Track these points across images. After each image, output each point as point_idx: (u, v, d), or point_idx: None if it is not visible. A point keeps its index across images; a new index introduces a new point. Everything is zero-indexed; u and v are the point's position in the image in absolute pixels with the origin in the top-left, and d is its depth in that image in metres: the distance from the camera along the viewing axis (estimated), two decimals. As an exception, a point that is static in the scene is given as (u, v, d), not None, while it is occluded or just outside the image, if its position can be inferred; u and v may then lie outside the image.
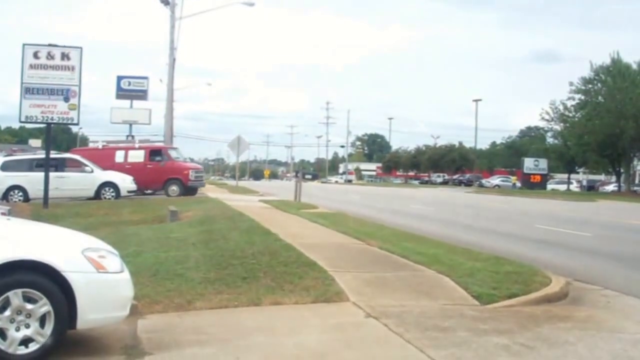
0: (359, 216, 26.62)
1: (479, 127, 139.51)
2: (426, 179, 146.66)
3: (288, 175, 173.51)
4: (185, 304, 9.59)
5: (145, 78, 66.25)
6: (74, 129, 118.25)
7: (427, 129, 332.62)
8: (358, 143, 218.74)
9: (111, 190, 34.09)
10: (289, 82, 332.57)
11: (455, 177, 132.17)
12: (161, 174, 39.05)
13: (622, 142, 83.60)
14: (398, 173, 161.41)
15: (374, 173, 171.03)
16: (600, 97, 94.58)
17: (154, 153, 40.52)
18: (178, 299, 9.73)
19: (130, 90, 64.53)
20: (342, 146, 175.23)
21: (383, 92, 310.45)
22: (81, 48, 27.33)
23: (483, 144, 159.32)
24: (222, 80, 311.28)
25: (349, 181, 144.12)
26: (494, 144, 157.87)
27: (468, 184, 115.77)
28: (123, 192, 34.36)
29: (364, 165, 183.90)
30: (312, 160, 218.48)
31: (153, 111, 68.21)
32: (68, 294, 6.96)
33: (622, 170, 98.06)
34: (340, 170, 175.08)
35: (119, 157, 39.90)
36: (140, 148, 41.61)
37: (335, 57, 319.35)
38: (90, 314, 7.10)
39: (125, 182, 34.99)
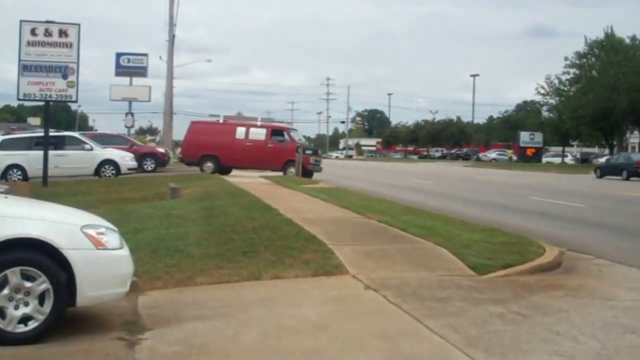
0: (358, 191, 26.53)
1: (477, 102, 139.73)
2: (425, 153, 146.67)
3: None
4: (186, 280, 9.51)
5: (145, 55, 65.32)
6: (73, 106, 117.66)
7: (426, 104, 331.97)
8: (358, 119, 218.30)
9: (111, 168, 33.83)
10: (290, 59, 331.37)
11: (453, 151, 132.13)
12: (282, 155, 37.43)
13: (615, 116, 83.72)
14: (397, 148, 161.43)
15: (373, 148, 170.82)
16: (594, 72, 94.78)
17: (276, 132, 38.90)
18: (178, 274, 9.65)
19: (129, 67, 63.55)
20: (343, 122, 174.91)
21: (383, 68, 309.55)
22: (79, 25, 27.00)
23: (480, 119, 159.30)
24: (222, 56, 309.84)
25: (350, 156, 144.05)
26: (490, 119, 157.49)
27: (465, 158, 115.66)
28: (123, 170, 34.10)
29: (364, 141, 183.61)
30: (312, 136, 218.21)
31: (153, 88, 67.66)
32: (67, 271, 6.86)
33: (615, 143, 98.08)
34: (341, 146, 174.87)
35: (240, 133, 38.37)
36: (262, 126, 39.67)
37: (335, 33, 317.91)
38: (90, 290, 7.01)
39: (125, 160, 34.75)
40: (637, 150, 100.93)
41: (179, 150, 52.45)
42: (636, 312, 8.30)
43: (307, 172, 36.69)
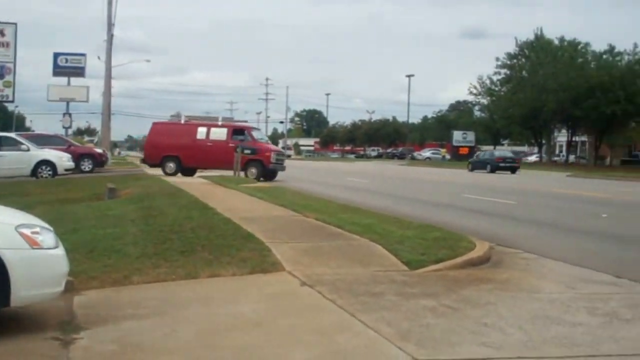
0: (296, 189, 26.54)
1: (412, 102, 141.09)
2: (362, 152, 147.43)
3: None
4: (123, 279, 9.38)
5: (83, 55, 63.83)
6: (10, 107, 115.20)
7: (363, 104, 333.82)
8: (297, 119, 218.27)
9: (48, 168, 33.36)
10: (229, 59, 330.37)
11: (389, 150, 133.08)
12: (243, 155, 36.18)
13: (543, 115, 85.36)
14: (335, 147, 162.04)
15: (312, 148, 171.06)
16: (524, 72, 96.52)
17: (237, 132, 37.98)
18: (115, 274, 9.51)
19: (67, 68, 61.93)
20: (281, 122, 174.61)
21: (321, 69, 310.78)
22: (16, 24, 26.67)
23: (415, 118, 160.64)
24: (161, 57, 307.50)
25: (288, 156, 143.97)
26: (425, 118, 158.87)
27: (401, 157, 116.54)
28: (60, 170, 33.65)
29: (302, 141, 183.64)
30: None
31: (91, 89, 66.81)
32: (1, 270, 6.72)
33: (543, 142, 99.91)
34: (280, 146, 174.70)
35: (201, 133, 37.57)
36: (223, 126, 39.16)
37: (274, 34, 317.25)
38: (24, 290, 6.86)
39: (62, 160, 34.29)
40: (564, 148, 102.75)
41: (117, 150, 52.10)
42: (561, 304, 8.43)
43: (268, 172, 36.60)
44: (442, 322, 7.42)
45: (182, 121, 40.94)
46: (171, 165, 37.13)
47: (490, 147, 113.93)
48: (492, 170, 61.83)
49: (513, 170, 62.92)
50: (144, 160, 41.60)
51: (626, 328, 7.41)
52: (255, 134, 38.94)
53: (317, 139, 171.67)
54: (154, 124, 41.93)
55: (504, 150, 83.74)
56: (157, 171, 36.71)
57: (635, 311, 8.22)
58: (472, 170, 64.83)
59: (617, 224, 18.31)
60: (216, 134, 37.47)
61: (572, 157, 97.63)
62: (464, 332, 7.03)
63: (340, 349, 6.48)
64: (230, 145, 36.25)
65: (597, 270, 10.92)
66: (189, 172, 37.03)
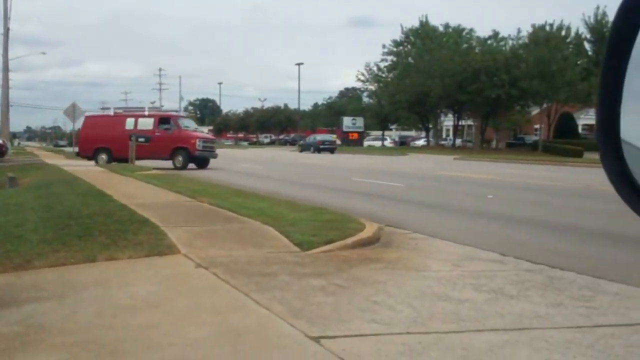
0: (191, 176, 26.48)
1: (302, 90, 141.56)
2: (255, 140, 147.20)
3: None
4: (24, 264, 9.31)
5: (-21, 48, 62.36)
6: None
7: (255, 92, 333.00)
8: (190, 108, 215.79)
9: (-54, 158, 32.47)
10: (123, 51, 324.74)
11: (281, 137, 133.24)
12: (169, 143, 36.34)
13: (430, 100, 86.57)
14: (229, 135, 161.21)
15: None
16: (410, 58, 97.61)
17: (163, 121, 37.74)
18: (17, 259, 9.44)
19: (-36, 61, 60.49)
20: (176, 111, 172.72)
21: (212, 59, 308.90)
22: None
23: (306, 105, 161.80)
24: (57, 49, 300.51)
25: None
26: (316, 105, 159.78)
27: (293, 143, 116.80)
28: None
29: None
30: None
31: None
32: None
33: (430, 126, 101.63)
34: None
35: (130, 124, 37.42)
36: (150, 116, 39.24)
37: (165, 26, 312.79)
38: None
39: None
40: (451, 132, 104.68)
41: (17, 141, 51.28)
42: (448, 282, 8.67)
43: (196, 160, 36.31)
44: (333, 300, 7.59)
45: (112, 113, 41.39)
46: (103, 157, 37.00)
47: (379, 133, 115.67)
48: (315, 151, 77.40)
49: (332, 151, 77.92)
50: (78, 154, 41.24)
51: (511, 304, 7.60)
52: (181, 121, 38.54)
53: (211, 127, 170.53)
54: (86, 117, 42.36)
55: (326, 135, 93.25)
56: (55, 160, 36.04)
57: (520, 287, 8.40)
58: (301, 151, 79.21)
59: (503, 204, 18.80)
60: (143, 124, 37.27)
61: (459, 141, 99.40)
62: (354, 309, 7.22)
63: (234, 327, 6.62)
64: (157, 134, 36.41)
65: (483, 249, 11.18)
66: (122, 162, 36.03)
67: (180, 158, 35.86)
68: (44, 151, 79.13)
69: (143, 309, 7.26)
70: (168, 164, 36.11)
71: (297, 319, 6.75)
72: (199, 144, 36.19)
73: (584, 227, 14.45)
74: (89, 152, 38.29)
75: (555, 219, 15.63)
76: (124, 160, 36.13)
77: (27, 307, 7.33)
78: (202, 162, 36.76)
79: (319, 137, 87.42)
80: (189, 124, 39.97)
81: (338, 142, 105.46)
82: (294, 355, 5.84)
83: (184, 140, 36.17)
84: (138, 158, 36.14)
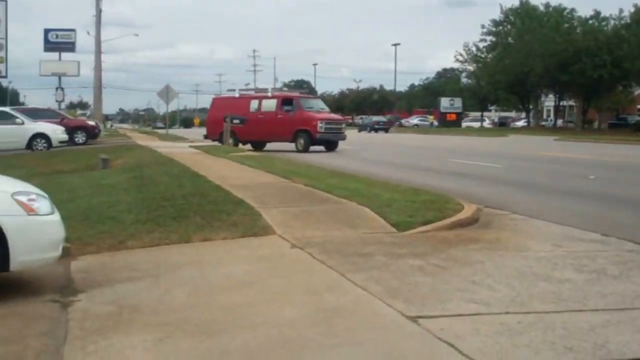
0: (284, 158, 26.59)
1: (398, 71, 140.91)
2: (350, 121, 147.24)
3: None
4: (118, 244, 9.48)
5: (73, 30, 63.49)
6: (3, 82, 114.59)
7: (350, 73, 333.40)
8: (285, 89, 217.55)
9: (43, 141, 33.36)
10: (216, 32, 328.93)
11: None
12: (290, 125, 34.72)
13: (530, 80, 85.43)
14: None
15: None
16: (510, 38, 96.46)
17: (285, 102, 35.88)
18: (110, 240, 9.61)
19: (58, 43, 61.71)
20: (301, 91, 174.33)
21: (307, 40, 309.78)
22: (6, 1, 26.54)
23: (402, 86, 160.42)
24: (149, 31, 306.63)
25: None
26: (412, 86, 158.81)
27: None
28: (55, 143, 33.64)
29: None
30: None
31: (82, 63, 66.56)
32: (-1, 237, 6.82)
33: (530, 107, 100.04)
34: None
35: (253, 106, 36.63)
36: (273, 97, 37.08)
37: (259, 7, 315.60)
38: (22, 255, 6.95)
39: (57, 133, 34.31)
40: (551, 113, 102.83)
41: (110, 123, 51.87)
42: (548, 262, 8.50)
43: (319, 142, 34.80)
44: (431, 280, 7.50)
45: (237, 95, 39.91)
46: (230, 141, 35.44)
47: (478, 114, 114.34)
48: (371, 131, 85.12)
49: (386, 130, 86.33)
50: (206, 136, 40.18)
51: (613, 284, 7.44)
52: (304, 102, 36.58)
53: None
54: (214, 99, 41.69)
55: (380, 117, 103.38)
56: (148, 142, 36.58)
57: (622, 268, 8.22)
58: (360, 131, 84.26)
59: (605, 185, 18.37)
60: (267, 106, 36.18)
61: (560, 122, 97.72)
62: (453, 289, 7.11)
63: (329, 306, 6.58)
64: (279, 116, 35.25)
65: (584, 229, 10.95)
66: (257, 145, 36.31)
67: (301, 141, 34.44)
68: (137, 133, 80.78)
69: (237, 289, 7.29)
70: (291, 146, 35.49)
71: (394, 299, 6.67)
72: (320, 126, 34.36)
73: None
74: (215, 134, 37.43)
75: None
76: (259, 143, 36.35)
77: (120, 287, 7.44)
78: (329, 145, 35.24)
79: (375, 118, 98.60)
80: (314, 104, 37.69)
81: (435, 123, 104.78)
82: (391, 335, 5.74)
83: (305, 122, 34.58)
84: (260, 141, 36.21)
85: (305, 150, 34.02)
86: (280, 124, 34.76)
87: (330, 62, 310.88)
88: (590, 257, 8.88)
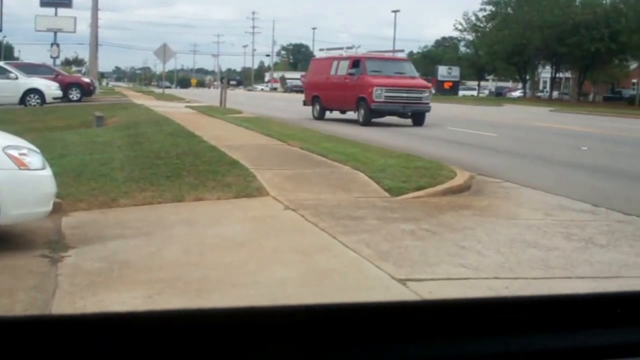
0: (281, 120, 26.49)
1: (397, 38, 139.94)
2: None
3: (215, 83, 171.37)
4: (110, 202, 9.45)
5: (70, -15, 63.24)
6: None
7: (349, 39, 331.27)
8: (283, 52, 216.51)
9: (36, 97, 33.04)
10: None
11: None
12: (352, 91, 28.15)
13: (528, 51, 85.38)
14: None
15: (298, 82, 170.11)
16: (509, 9, 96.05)
17: (354, 64, 29.34)
18: (102, 197, 9.58)
19: (54, -2, 61.41)
20: (268, 55, 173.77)
21: (307, 3, 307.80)
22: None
23: (401, 54, 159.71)
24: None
25: (274, 89, 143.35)
26: (411, 54, 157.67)
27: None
28: (48, 99, 33.34)
29: (289, 74, 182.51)
30: (238, 69, 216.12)
31: (79, 20, 65.73)
32: (-11, 190, 6.77)
33: (527, 78, 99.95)
34: (266, 79, 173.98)
35: (333, 69, 30.44)
36: (346, 58, 31.62)
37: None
38: (13, 209, 6.93)
39: (51, 89, 33.97)
40: (548, 84, 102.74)
41: (105, 81, 51.22)
42: (538, 229, 8.55)
43: (377, 114, 27.72)
44: (421, 244, 7.53)
45: (344, 54, 35.52)
46: (317, 108, 31.15)
47: (475, 83, 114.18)
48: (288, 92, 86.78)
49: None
50: (305, 103, 33.70)
51: (600, 253, 7.53)
52: (370, 64, 29.15)
53: (304, 73, 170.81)
54: (312, 60, 37.40)
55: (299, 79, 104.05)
56: (144, 101, 36.26)
57: (610, 237, 8.30)
58: None
59: (597, 156, 18.38)
60: (341, 68, 30.11)
61: (555, 93, 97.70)
62: (442, 254, 7.15)
63: (321, 267, 6.59)
64: (346, 81, 28.96)
65: (575, 199, 11.00)
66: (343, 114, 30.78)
67: (362, 111, 27.90)
68: (133, 92, 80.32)
69: (230, 248, 7.29)
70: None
71: (384, 262, 6.68)
72: (378, 94, 27.16)
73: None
74: (309, 100, 32.33)
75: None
76: (336, 111, 30.77)
77: (111, 244, 7.43)
78: (418, 118, 28.37)
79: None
80: (383, 67, 29.44)
81: (433, 90, 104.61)
82: (380, 297, 5.75)
83: (363, 88, 27.66)
84: (340, 109, 30.51)
85: (365, 123, 27.43)
86: (346, 90, 28.83)
87: (330, 26, 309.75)
88: (580, 226, 8.94)
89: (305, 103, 33.33)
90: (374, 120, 27.74)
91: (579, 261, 7.10)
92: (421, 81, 31.22)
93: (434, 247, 7.42)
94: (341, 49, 35.30)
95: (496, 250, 7.35)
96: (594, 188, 12.72)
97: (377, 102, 27.15)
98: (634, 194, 12.11)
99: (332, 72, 30.41)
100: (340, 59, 31.74)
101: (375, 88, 27.17)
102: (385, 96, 27.21)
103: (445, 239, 7.82)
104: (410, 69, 30.75)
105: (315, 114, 30.81)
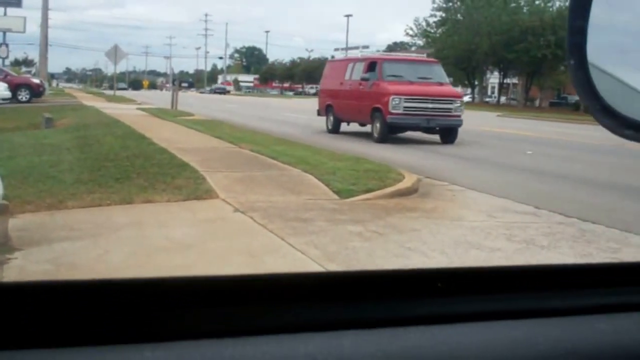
0: (233, 123, 26.43)
1: (350, 42, 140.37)
2: (300, 90, 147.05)
3: (167, 85, 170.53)
4: (57, 204, 9.32)
5: (20, -15, 62.37)
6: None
7: (302, 43, 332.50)
8: (236, 55, 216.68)
9: (-17, 97, 32.68)
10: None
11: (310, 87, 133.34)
12: (366, 101, 23.01)
13: (477, 57, 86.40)
14: (274, 84, 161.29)
15: (251, 84, 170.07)
16: (459, 15, 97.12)
17: (370, 67, 23.78)
18: (50, 199, 9.45)
19: (3, -2, 60.45)
20: (221, 58, 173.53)
21: (260, 6, 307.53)
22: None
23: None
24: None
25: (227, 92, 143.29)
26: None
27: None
28: None
29: (242, 77, 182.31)
30: (191, 72, 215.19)
31: (29, 20, 64.90)
32: None
33: (476, 83, 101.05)
34: (219, 81, 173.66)
35: (348, 73, 24.98)
36: (362, 59, 25.59)
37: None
38: (-42, 210, 6.84)
39: (-2, 89, 33.61)
40: (496, 90, 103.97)
41: (55, 82, 50.51)
42: (481, 231, 8.65)
43: (393, 129, 22.54)
44: (368, 245, 7.59)
45: (360, 56, 30.37)
46: (330, 119, 26.27)
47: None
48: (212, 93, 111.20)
49: (225, 93, 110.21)
50: (319, 113, 27.94)
51: (541, 253, 7.66)
52: (388, 67, 23.42)
53: (257, 76, 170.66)
54: (327, 62, 31.28)
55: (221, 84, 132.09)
56: (95, 102, 35.96)
57: (551, 239, 8.46)
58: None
59: (541, 160, 18.60)
60: (356, 72, 24.51)
61: (503, 99, 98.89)
62: (388, 255, 7.22)
63: (268, 269, 6.58)
64: (361, 87, 23.71)
65: (519, 202, 11.14)
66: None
67: (377, 125, 22.54)
68: (84, 93, 79.47)
69: (178, 251, 7.25)
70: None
71: (331, 262, 6.73)
72: (395, 104, 21.83)
73: (620, 183, 14.21)
74: (322, 110, 27.10)
75: (592, 175, 15.42)
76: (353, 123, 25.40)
77: (58, 245, 7.34)
78: (444, 134, 22.99)
79: (215, 86, 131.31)
80: (404, 71, 23.42)
81: (466, 98, 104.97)
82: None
83: (379, 97, 22.42)
84: (344, 120, 25.58)
85: (381, 140, 22.15)
86: (361, 98, 23.53)
87: (283, 30, 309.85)
88: (522, 227, 9.09)
89: (319, 113, 27.78)
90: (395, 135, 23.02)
91: (520, 262, 7.18)
92: (450, 89, 25.12)
93: (380, 248, 7.48)
94: (357, 48, 28.63)
95: (441, 251, 7.43)
96: (537, 191, 12.89)
97: (394, 114, 21.83)
98: (575, 197, 12.30)
99: (347, 76, 25.14)
100: (356, 60, 26.19)
101: (392, 97, 21.90)
102: (405, 107, 21.92)
103: (391, 240, 7.88)
104: (439, 73, 24.45)
105: (330, 126, 26.13)
